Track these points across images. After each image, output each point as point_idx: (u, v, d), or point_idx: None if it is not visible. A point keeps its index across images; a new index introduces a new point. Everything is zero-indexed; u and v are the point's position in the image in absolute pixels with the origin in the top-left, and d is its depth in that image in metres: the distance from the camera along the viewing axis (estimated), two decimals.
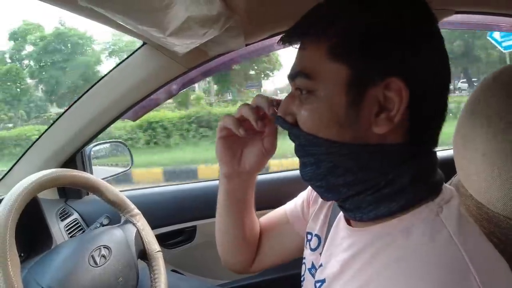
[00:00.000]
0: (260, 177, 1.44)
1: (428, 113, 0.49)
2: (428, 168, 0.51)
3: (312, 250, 0.68)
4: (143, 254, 0.92)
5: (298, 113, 0.53)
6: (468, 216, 0.52)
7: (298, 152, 0.55)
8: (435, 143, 0.52)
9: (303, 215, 0.78)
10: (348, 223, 0.58)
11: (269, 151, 0.69)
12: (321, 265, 0.61)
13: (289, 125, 0.54)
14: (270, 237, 0.83)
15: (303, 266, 0.69)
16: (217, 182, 1.41)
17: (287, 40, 0.54)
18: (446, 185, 0.54)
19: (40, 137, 1.19)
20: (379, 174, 0.50)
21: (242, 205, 0.77)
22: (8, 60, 15.24)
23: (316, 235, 0.69)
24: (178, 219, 1.32)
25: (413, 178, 0.49)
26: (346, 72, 0.47)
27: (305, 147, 0.53)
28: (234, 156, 0.70)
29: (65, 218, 1.20)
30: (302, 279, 0.69)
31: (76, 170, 0.88)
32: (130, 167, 1.45)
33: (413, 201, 0.49)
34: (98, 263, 0.79)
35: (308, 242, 0.71)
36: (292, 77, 0.53)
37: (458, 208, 0.50)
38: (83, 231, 1.19)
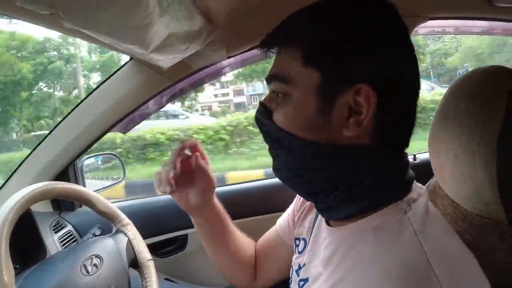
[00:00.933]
0: (267, 181, 1.47)
1: (395, 116, 0.51)
2: (397, 168, 0.53)
3: (300, 253, 0.70)
4: (135, 263, 0.94)
5: (274, 113, 0.55)
6: (437, 213, 0.54)
7: (272, 144, 0.56)
8: (405, 144, 0.54)
9: (289, 228, 0.81)
10: (328, 223, 0.60)
11: (208, 188, 0.76)
12: (304, 265, 0.63)
13: (265, 117, 0.56)
14: (268, 255, 0.86)
15: (291, 269, 0.71)
16: None
17: (265, 46, 0.56)
18: (417, 184, 0.56)
19: (32, 152, 1.21)
20: (348, 175, 0.52)
21: (215, 234, 0.82)
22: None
23: (303, 238, 0.71)
24: (169, 228, 1.34)
25: (380, 178, 0.51)
26: (318, 78, 0.49)
27: (278, 140, 0.54)
28: (181, 196, 0.75)
29: (59, 230, 1.22)
30: (289, 281, 0.71)
31: (67, 183, 0.90)
32: (122, 179, 1.47)
33: (381, 200, 0.52)
34: (90, 271, 0.81)
35: (296, 247, 0.72)
36: (268, 80, 0.55)
37: (425, 206, 0.52)
38: (77, 243, 1.20)
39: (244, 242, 0.87)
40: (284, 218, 0.84)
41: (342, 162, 0.51)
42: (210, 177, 0.76)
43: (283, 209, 0.85)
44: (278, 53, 0.55)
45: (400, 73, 0.50)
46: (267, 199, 1.38)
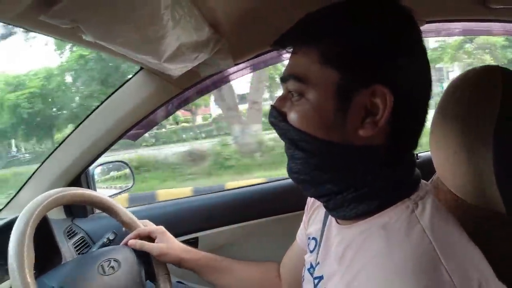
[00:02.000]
0: (281, 182, 1.49)
1: (410, 118, 0.53)
2: (407, 168, 0.55)
3: (311, 252, 0.71)
4: (152, 276, 0.94)
5: (288, 114, 0.55)
6: (443, 209, 0.55)
7: (288, 145, 0.57)
8: (415, 146, 0.56)
9: (302, 235, 0.83)
10: (337, 221, 0.61)
11: (159, 257, 0.91)
12: (318, 263, 0.65)
13: (279, 120, 0.56)
14: (292, 269, 0.88)
15: (304, 268, 0.73)
16: (217, 194, 1.46)
17: (280, 44, 0.56)
18: (423, 182, 0.58)
19: (45, 159, 1.25)
20: (361, 174, 0.53)
21: (207, 277, 0.95)
22: None
23: (313, 238, 0.72)
24: (180, 231, 1.34)
25: (392, 178, 0.53)
26: (336, 78, 0.50)
27: (295, 142, 0.55)
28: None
29: (72, 237, 1.24)
30: (302, 279, 0.73)
31: (93, 191, 0.92)
32: (131, 186, 1.49)
33: (391, 200, 0.53)
34: (107, 272, 0.82)
35: (308, 246, 0.74)
36: (284, 80, 0.56)
37: (432, 203, 0.52)
38: (90, 248, 1.23)
39: (252, 273, 0.95)
40: (300, 230, 0.86)
41: (357, 162, 0.53)
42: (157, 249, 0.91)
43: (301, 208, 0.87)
44: (294, 52, 0.55)
45: (416, 76, 0.52)
46: (285, 199, 1.41)
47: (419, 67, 0.53)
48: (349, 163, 0.53)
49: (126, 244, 0.91)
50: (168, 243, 0.93)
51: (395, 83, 0.50)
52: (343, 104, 0.51)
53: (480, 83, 0.62)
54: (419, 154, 1.47)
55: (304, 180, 0.57)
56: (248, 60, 1.08)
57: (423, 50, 0.53)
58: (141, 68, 1.08)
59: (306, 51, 0.53)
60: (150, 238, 0.94)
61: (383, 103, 0.49)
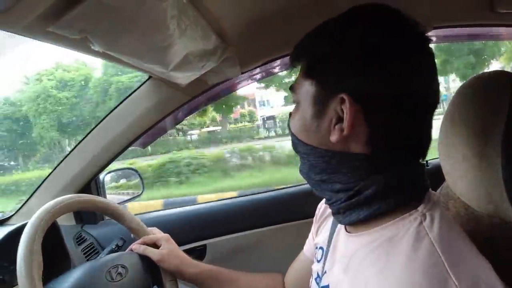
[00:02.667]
0: (289, 189, 1.50)
1: (388, 127, 0.52)
2: (404, 178, 0.54)
3: (318, 261, 0.71)
4: (159, 282, 0.94)
5: (290, 121, 0.63)
6: (451, 220, 0.55)
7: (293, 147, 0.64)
8: (417, 155, 0.56)
9: (310, 245, 0.83)
10: (346, 229, 0.62)
11: (159, 262, 0.90)
12: (325, 272, 0.65)
13: (288, 126, 0.64)
14: (297, 279, 0.88)
15: (311, 278, 0.73)
16: (225, 201, 1.46)
17: (290, 62, 0.64)
18: (431, 192, 0.57)
19: (55, 168, 1.27)
20: (347, 181, 0.55)
21: None
22: None
23: (320, 247, 0.73)
24: (188, 238, 1.36)
25: (382, 187, 0.53)
26: (313, 88, 0.56)
27: (293, 144, 0.62)
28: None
29: (82, 243, 1.26)
30: None
31: (106, 199, 0.94)
32: (141, 193, 1.51)
33: (387, 209, 0.53)
34: (114, 278, 0.83)
35: (315, 256, 0.74)
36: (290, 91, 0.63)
37: (441, 214, 0.52)
38: (99, 254, 1.23)
39: (256, 285, 0.95)
40: (308, 241, 0.86)
41: (338, 168, 0.56)
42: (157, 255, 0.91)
43: (309, 216, 0.86)
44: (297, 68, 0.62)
45: (393, 86, 0.51)
46: (293, 207, 1.42)
47: (401, 75, 0.52)
48: (334, 168, 0.56)
49: (132, 250, 0.92)
50: (171, 251, 0.93)
51: (363, 92, 0.52)
52: (318, 111, 0.56)
53: (488, 89, 0.61)
54: (429, 161, 1.45)
55: (306, 178, 0.63)
56: (255, 68, 1.08)
57: (408, 57, 0.53)
58: (150, 77, 1.09)
59: (300, 67, 0.60)
60: (156, 245, 0.95)
61: (347, 110, 0.52)
